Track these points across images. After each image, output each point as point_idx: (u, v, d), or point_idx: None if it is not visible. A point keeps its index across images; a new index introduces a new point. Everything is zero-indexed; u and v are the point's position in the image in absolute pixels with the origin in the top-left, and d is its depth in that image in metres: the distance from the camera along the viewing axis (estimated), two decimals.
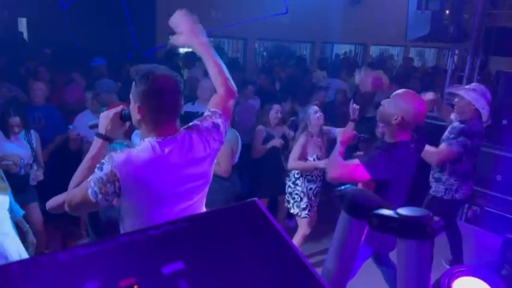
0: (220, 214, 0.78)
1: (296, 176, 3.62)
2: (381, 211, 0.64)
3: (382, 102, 2.28)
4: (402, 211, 0.62)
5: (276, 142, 3.90)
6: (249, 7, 7.93)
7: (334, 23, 8.73)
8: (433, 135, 3.62)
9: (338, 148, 2.26)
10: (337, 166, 2.16)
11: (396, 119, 2.13)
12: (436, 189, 3.15)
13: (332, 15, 8.47)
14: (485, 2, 4.93)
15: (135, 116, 1.49)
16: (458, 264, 3.39)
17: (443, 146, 2.94)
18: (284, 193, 3.74)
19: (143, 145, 1.45)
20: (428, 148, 2.98)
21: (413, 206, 0.59)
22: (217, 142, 1.59)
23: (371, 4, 9.62)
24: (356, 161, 2.17)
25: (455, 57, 5.20)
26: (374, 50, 11.90)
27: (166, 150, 1.44)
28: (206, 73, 2.36)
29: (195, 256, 0.65)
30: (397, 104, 2.15)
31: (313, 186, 3.55)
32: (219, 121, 1.62)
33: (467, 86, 3.15)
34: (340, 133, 2.33)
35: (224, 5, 7.92)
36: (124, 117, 1.60)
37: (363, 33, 10.18)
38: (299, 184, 3.55)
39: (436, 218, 0.61)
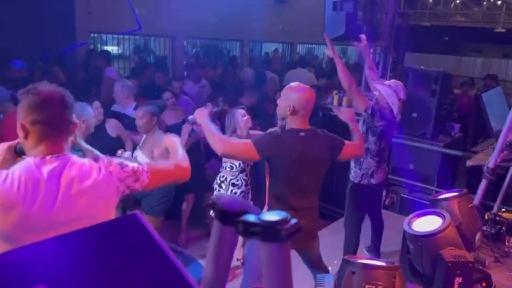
0: (97, 230, 0.76)
1: (222, 179, 3.68)
2: (245, 217, 0.67)
3: (278, 102, 2.45)
4: (264, 215, 0.66)
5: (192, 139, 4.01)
6: (177, 5, 7.83)
7: (262, 22, 8.90)
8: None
9: (207, 127, 2.31)
10: (226, 141, 2.29)
11: (289, 110, 2.30)
12: (354, 174, 3.34)
13: (259, 14, 8.63)
14: (395, 3, 5.30)
15: (19, 134, 1.37)
16: (376, 250, 3.65)
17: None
18: (210, 190, 3.84)
19: (20, 163, 1.35)
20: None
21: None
22: (126, 189, 1.48)
23: (296, 4, 9.93)
24: (247, 140, 2.38)
25: (371, 55, 5.52)
26: (301, 48, 12.29)
27: (45, 169, 1.32)
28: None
29: (62, 277, 0.63)
30: (287, 96, 2.35)
31: (237, 190, 3.61)
32: (133, 166, 1.50)
33: (386, 82, 3.35)
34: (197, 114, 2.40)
35: (151, 2, 7.73)
36: (18, 151, 1.49)
37: (290, 32, 10.48)
38: (223, 188, 3.59)
39: (293, 221, 0.66)
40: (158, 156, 3.44)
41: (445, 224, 1.92)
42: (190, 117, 2.52)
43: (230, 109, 4.60)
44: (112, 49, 9.83)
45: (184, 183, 4.38)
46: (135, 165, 1.51)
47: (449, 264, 1.80)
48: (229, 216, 0.69)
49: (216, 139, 2.26)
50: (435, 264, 1.90)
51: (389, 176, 4.88)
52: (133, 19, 6.42)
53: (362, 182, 3.29)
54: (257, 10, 8.56)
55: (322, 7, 4.71)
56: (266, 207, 2.53)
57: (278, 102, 2.43)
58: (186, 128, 4.13)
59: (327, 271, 2.53)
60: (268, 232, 0.65)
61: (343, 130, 4.26)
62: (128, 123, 3.92)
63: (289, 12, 9.91)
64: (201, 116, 2.37)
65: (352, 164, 3.35)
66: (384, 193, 5.05)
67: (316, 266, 2.61)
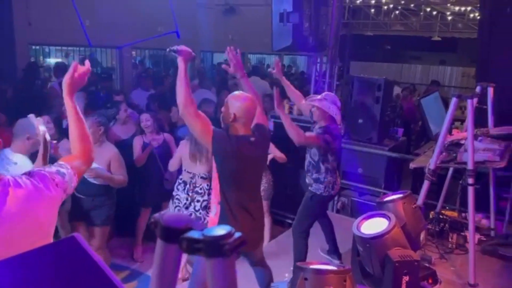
0: (36, 253, 0.73)
1: (179, 187, 3.71)
2: (189, 233, 0.67)
3: (222, 109, 2.53)
4: (208, 231, 0.66)
5: (149, 148, 4.05)
6: (123, 15, 7.66)
7: (212, 32, 8.92)
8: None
9: (182, 68, 2.26)
10: (187, 96, 2.24)
11: (233, 118, 2.38)
12: (316, 187, 3.41)
13: (209, 24, 8.65)
14: (339, 14, 5.52)
15: None
16: (336, 253, 3.73)
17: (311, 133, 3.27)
18: (167, 200, 3.83)
19: None
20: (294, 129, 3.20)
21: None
22: (59, 190, 1.47)
23: (245, 14, 10.04)
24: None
25: (317, 65, 5.71)
26: (252, 58, 12.44)
27: None
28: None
29: None
30: (229, 105, 2.43)
31: (200, 198, 3.63)
32: (65, 171, 1.51)
33: (319, 96, 3.47)
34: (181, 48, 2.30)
35: (97, 13, 7.50)
36: None
37: (240, 42, 10.56)
38: (180, 189, 3.68)
39: (237, 235, 0.66)
40: (114, 168, 3.41)
41: (391, 226, 2.01)
42: (174, 47, 2.31)
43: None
44: (56, 61, 9.43)
45: (141, 197, 4.30)
46: (63, 169, 1.52)
47: (396, 264, 1.88)
48: (173, 233, 0.68)
49: (187, 94, 2.24)
50: (383, 265, 1.98)
51: (340, 180, 5.06)
52: (77, 30, 6.18)
53: (324, 194, 3.39)
54: (207, 20, 8.58)
55: (269, 18, 4.81)
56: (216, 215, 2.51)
57: (222, 109, 2.50)
58: (137, 141, 4.10)
59: (269, 270, 2.58)
60: (211, 247, 0.64)
61: None
62: None
63: (239, 22, 10.01)
64: (185, 54, 2.29)
65: (311, 180, 3.42)
66: (335, 197, 5.22)
67: (260, 265, 2.66)
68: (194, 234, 0.66)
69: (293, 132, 3.04)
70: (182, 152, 3.74)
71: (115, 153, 3.51)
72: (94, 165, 3.24)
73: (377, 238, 1.99)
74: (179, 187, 3.75)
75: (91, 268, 0.69)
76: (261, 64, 12.00)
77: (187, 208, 3.64)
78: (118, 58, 8.97)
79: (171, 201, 3.79)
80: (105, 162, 3.37)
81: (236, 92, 2.52)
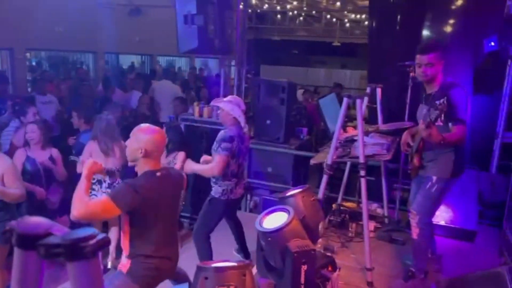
0: None
1: (95, 187, 3.73)
2: (47, 239, 0.63)
3: (126, 143, 2.36)
4: (68, 234, 0.64)
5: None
6: (15, 14, 7.00)
7: (117, 34, 8.53)
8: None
9: (84, 182, 2.16)
10: (83, 204, 2.07)
11: (141, 153, 2.24)
12: (215, 190, 3.43)
13: (114, 25, 8.25)
14: (243, 18, 5.66)
15: None
16: (245, 251, 3.81)
17: (215, 157, 3.23)
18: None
19: None
20: (202, 167, 3.32)
21: None
22: None
23: (152, 16, 9.77)
24: (103, 196, 2.27)
25: (226, 68, 5.79)
26: (162, 61, 12.16)
27: None
28: None
29: None
30: (138, 138, 2.27)
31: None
32: None
33: (225, 99, 3.53)
34: (86, 165, 2.23)
35: None
36: None
37: (148, 44, 10.26)
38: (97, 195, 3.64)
39: (100, 236, 0.65)
40: (9, 181, 3.09)
41: (289, 219, 2.11)
42: (73, 158, 2.27)
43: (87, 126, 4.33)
44: None
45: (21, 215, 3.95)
46: None
47: (295, 254, 1.97)
48: (31, 240, 0.64)
49: (77, 200, 2.07)
50: (284, 257, 2.07)
51: (251, 180, 5.18)
52: None
53: (221, 198, 3.40)
54: (111, 21, 8.19)
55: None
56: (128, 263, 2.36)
57: (128, 143, 2.33)
58: (19, 155, 3.73)
59: (186, 277, 2.54)
60: (72, 250, 0.62)
61: (206, 141, 4.34)
62: None
63: (146, 24, 9.72)
64: (89, 170, 2.21)
65: (212, 181, 3.44)
66: (248, 196, 5.33)
67: (176, 276, 2.61)
68: (53, 239, 0.64)
69: (208, 173, 3.24)
70: (91, 151, 3.78)
71: (9, 165, 3.16)
72: None
73: (276, 231, 2.07)
74: (94, 187, 3.73)
75: None
76: (171, 67, 11.78)
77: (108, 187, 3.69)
78: (9, 60, 8.16)
79: None
80: None
81: (142, 125, 2.36)
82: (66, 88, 6.90)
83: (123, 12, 8.90)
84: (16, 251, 0.67)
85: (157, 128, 2.38)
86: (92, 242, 0.62)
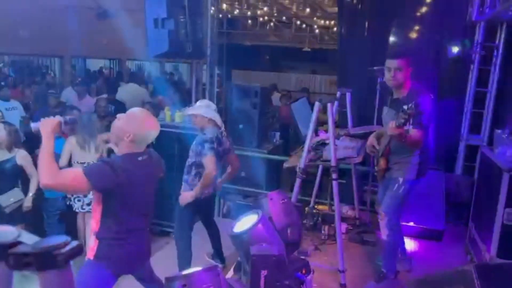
0: None
1: None
2: (17, 248, 0.61)
3: (118, 116, 2.31)
4: (39, 243, 0.61)
5: None
6: None
7: (84, 37, 8.31)
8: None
9: (46, 145, 2.02)
10: (52, 172, 1.98)
11: (128, 137, 2.20)
12: (184, 189, 3.40)
13: (80, 29, 8.04)
14: (213, 23, 5.65)
15: None
16: (220, 257, 3.77)
17: (205, 160, 3.20)
18: None
19: None
20: (196, 188, 3.28)
21: None
22: None
23: (121, 20, 9.58)
24: (76, 169, 2.24)
25: (200, 72, 5.75)
26: (131, 65, 11.95)
27: None
28: None
29: None
30: (130, 122, 2.23)
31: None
32: None
33: (194, 105, 3.53)
34: (42, 125, 2.08)
35: None
36: None
37: (116, 47, 10.04)
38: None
39: (73, 243, 0.62)
40: None
41: (255, 222, 2.08)
42: (33, 125, 2.13)
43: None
44: None
45: None
46: None
47: (253, 258, 1.92)
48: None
49: (45, 167, 1.97)
50: (248, 260, 2.04)
51: (224, 185, 5.14)
52: None
53: None
54: (77, 24, 7.97)
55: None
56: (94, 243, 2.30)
57: (116, 123, 2.26)
58: None
59: (161, 284, 2.50)
60: (42, 260, 0.60)
61: (178, 145, 4.30)
62: None
63: (114, 27, 9.52)
64: (47, 128, 2.06)
65: (183, 183, 3.42)
66: (221, 201, 5.30)
67: (150, 280, 2.56)
68: (23, 247, 0.61)
69: (208, 181, 3.22)
70: (71, 147, 4.01)
71: None
72: None
73: (242, 234, 2.06)
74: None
75: None
76: (140, 71, 11.59)
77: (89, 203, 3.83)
78: None
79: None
80: None
81: (138, 110, 2.33)
82: (31, 93, 6.67)
83: (91, 15, 8.69)
84: None
85: (152, 118, 2.34)
86: (64, 250, 0.60)
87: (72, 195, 4.03)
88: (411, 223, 4.12)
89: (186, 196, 3.34)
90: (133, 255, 2.31)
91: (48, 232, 4.11)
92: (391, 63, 2.91)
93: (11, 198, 3.67)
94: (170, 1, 4.36)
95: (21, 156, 3.78)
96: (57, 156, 4.04)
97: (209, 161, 3.18)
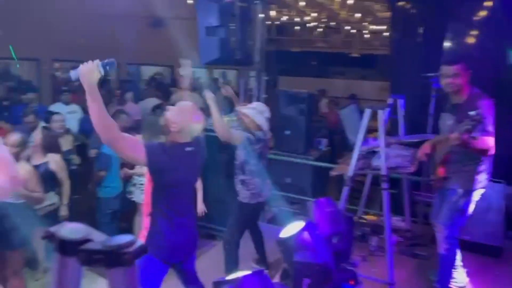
0: None
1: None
2: (87, 245, 0.64)
3: (168, 107, 2.45)
4: (108, 241, 0.65)
5: None
6: (41, 26, 7.23)
7: (139, 45, 8.69)
8: None
9: (92, 96, 1.99)
10: (109, 126, 2.02)
11: (175, 127, 2.31)
12: (243, 195, 3.44)
13: (136, 36, 8.42)
14: (263, 30, 5.70)
15: None
16: (264, 262, 3.78)
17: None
18: None
19: None
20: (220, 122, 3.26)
21: None
22: None
23: (174, 28, 9.93)
24: (138, 138, 2.36)
25: (248, 78, 5.83)
26: (181, 72, 12.31)
27: None
28: None
29: None
30: (179, 115, 2.34)
31: None
32: None
33: (250, 105, 3.58)
34: (81, 74, 2.02)
35: (14, 24, 7.00)
36: None
37: (169, 55, 10.40)
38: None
39: (138, 243, 0.65)
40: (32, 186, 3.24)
41: (301, 229, 2.05)
42: (72, 73, 2.02)
43: None
44: None
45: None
46: None
47: (296, 265, 1.89)
48: (70, 246, 0.65)
49: (100, 119, 1.98)
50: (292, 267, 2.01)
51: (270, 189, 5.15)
52: None
53: (251, 202, 3.41)
54: (132, 32, 8.35)
55: (196, 31, 4.83)
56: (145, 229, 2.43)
57: (167, 114, 2.36)
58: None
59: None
60: (111, 257, 0.63)
61: (225, 150, 4.37)
62: None
63: (166, 35, 9.89)
64: (87, 73, 1.97)
65: (239, 186, 3.45)
66: (266, 207, 5.31)
67: (192, 282, 2.61)
68: (93, 245, 0.64)
69: (219, 125, 3.12)
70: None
71: (31, 170, 3.33)
72: None
73: (287, 240, 2.03)
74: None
75: None
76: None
77: None
78: (37, 71, 8.42)
79: None
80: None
81: (186, 104, 2.44)
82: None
83: (145, 24, 9.08)
84: (56, 257, 0.68)
85: (199, 112, 2.43)
86: (131, 249, 0.63)
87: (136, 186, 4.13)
88: (467, 237, 3.90)
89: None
90: (182, 242, 2.42)
91: (101, 232, 4.29)
92: (448, 70, 2.80)
93: (45, 201, 3.63)
94: (222, 10, 4.47)
95: (54, 161, 3.79)
96: (113, 159, 4.27)
97: (233, 130, 3.28)
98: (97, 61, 2.00)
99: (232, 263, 3.40)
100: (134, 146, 2.18)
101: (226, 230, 3.58)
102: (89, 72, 1.97)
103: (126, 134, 2.25)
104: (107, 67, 2.04)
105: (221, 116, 3.24)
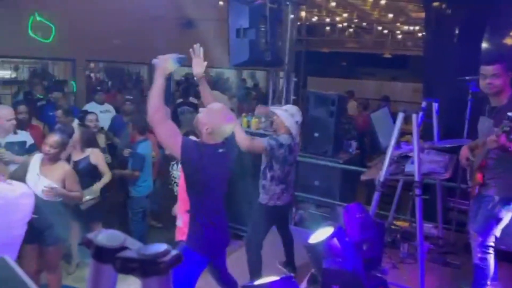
0: None
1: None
2: (123, 253, 0.65)
3: (200, 109, 2.55)
4: (143, 249, 0.65)
5: None
6: (76, 26, 7.46)
7: (170, 46, 8.83)
8: None
9: (157, 81, 2.29)
10: (156, 106, 2.22)
11: (207, 129, 2.38)
12: (262, 197, 3.45)
13: (166, 37, 8.56)
14: (292, 31, 5.66)
15: None
16: (291, 265, 3.76)
17: (258, 138, 3.39)
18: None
19: None
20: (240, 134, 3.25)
21: None
22: None
23: (204, 29, 10.04)
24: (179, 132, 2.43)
25: (277, 79, 5.81)
26: (211, 72, 12.44)
27: None
28: None
29: None
30: (210, 117, 2.41)
31: None
32: None
33: (283, 107, 3.56)
34: (159, 64, 2.33)
35: (47, 24, 7.27)
36: None
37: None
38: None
39: (173, 252, 0.65)
40: (70, 185, 3.32)
41: (330, 235, 2.02)
42: (155, 60, 2.36)
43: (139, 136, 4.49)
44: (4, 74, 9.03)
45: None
46: None
47: (325, 271, 1.87)
48: (107, 253, 0.66)
49: (151, 99, 2.23)
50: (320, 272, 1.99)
51: (297, 193, 5.12)
52: (28, 41, 5.91)
53: (269, 204, 3.40)
54: (164, 33, 8.50)
55: (225, 32, 4.85)
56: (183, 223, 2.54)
57: (199, 115, 2.48)
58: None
59: (235, 284, 2.59)
60: (147, 266, 0.63)
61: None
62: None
63: (196, 37, 10.00)
64: (162, 63, 2.34)
65: (260, 189, 3.47)
66: (293, 210, 5.27)
67: (225, 277, 2.66)
68: (129, 253, 0.65)
69: (240, 137, 3.08)
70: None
71: (69, 169, 3.41)
72: (48, 183, 3.13)
73: (316, 246, 2.01)
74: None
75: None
76: (220, 79, 12.03)
77: None
78: (71, 70, 8.70)
79: None
80: (60, 179, 3.27)
81: (217, 106, 2.51)
82: (121, 98, 7.23)
83: (176, 25, 9.22)
84: (92, 263, 0.69)
85: (230, 113, 2.50)
86: (167, 258, 0.63)
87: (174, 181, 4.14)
88: (503, 247, 3.74)
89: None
90: (219, 239, 2.51)
91: (132, 230, 4.38)
92: (487, 70, 2.69)
93: (86, 195, 3.73)
94: (252, 12, 4.47)
95: (94, 155, 3.94)
96: (143, 159, 4.35)
97: (257, 141, 3.27)
98: (172, 55, 2.34)
99: (254, 265, 3.40)
100: (175, 135, 2.31)
101: (248, 232, 3.60)
102: (165, 60, 2.31)
103: (171, 121, 2.37)
104: (180, 61, 2.37)
105: (241, 128, 3.29)
